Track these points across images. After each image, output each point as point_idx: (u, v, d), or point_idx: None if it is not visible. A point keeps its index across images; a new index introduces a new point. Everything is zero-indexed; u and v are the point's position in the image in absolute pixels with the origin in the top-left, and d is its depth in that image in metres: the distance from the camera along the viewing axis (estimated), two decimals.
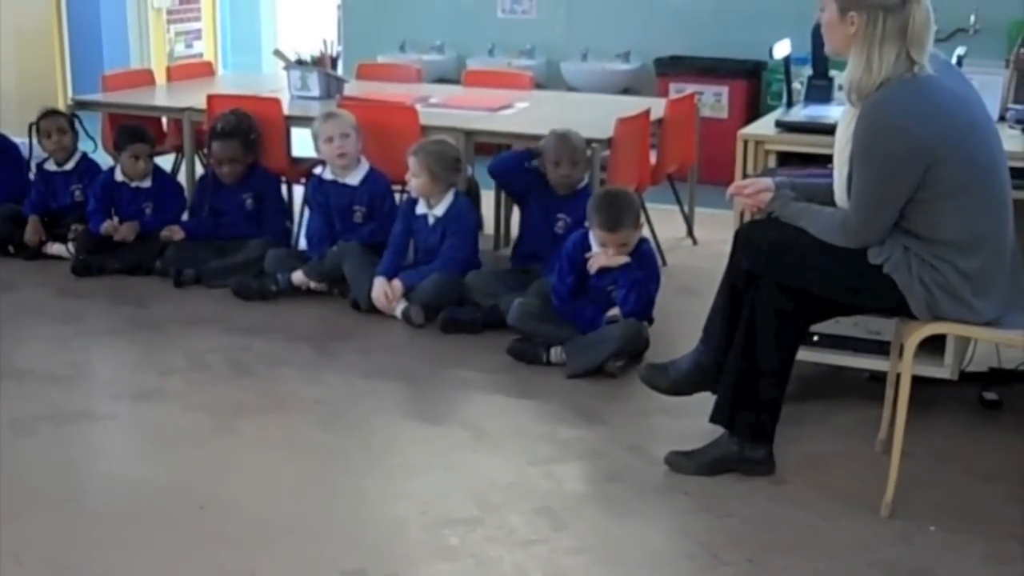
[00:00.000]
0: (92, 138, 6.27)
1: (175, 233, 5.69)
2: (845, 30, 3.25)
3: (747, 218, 3.83)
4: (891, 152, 3.16)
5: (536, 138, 5.21)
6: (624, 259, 4.56)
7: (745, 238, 3.54)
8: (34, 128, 6.08)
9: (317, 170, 5.63)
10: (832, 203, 3.38)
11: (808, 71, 4.45)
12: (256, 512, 3.40)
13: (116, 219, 5.80)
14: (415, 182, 5.11)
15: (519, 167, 5.23)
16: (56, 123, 6.07)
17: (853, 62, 3.24)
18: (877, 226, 3.25)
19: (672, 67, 7.95)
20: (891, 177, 3.18)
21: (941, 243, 3.23)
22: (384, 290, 5.00)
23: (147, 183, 5.88)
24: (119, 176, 5.87)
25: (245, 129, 5.70)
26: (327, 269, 5.27)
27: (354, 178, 5.43)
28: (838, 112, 4.00)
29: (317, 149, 5.50)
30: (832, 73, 4.26)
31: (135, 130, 5.89)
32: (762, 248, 3.46)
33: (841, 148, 3.33)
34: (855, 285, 3.35)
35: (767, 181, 3.55)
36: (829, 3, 3.29)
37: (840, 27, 3.27)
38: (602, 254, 4.58)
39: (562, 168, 5.08)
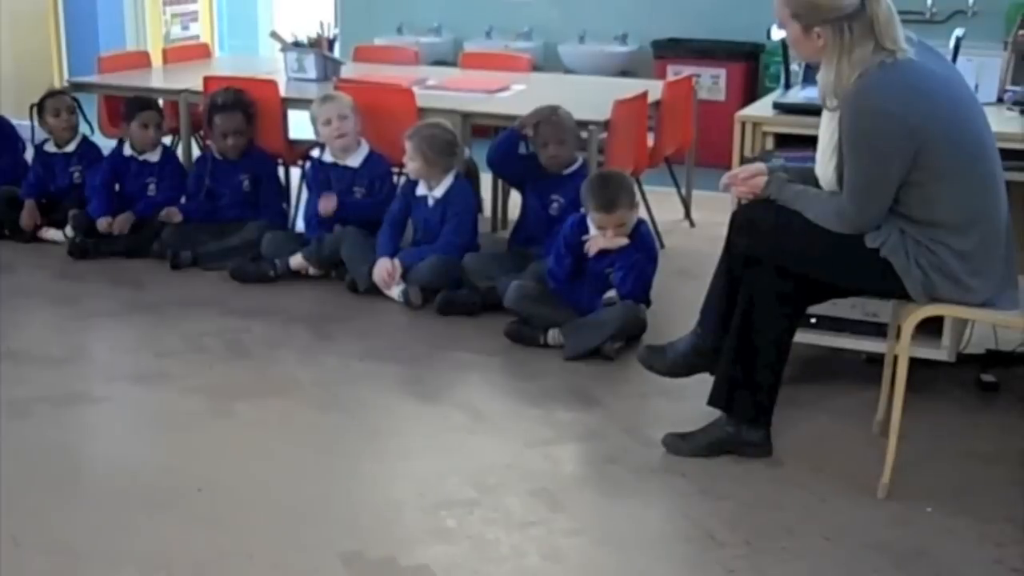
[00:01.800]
0: (88, 122, 6.26)
1: (172, 215, 5.68)
2: (813, 44, 3.26)
3: (744, 201, 3.83)
4: (878, 137, 3.16)
5: None
6: (623, 241, 4.56)
7: (741, 221, 3.54)
8: (36, 109, 6.07)
9: (315, 152, 5.63)
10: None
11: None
12: (253, 494, 3.40)
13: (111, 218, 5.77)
14: (411, 166, 5.12)
15: (513, 154, 5.22)
16: (63, 102, 6.09)
17: (825, 71, 3.25)
18: (872, 212, 3.25)
19: (669, 49, 7.94)
20: (881, 162, 3.18)
21: (935, 225, 3.22)
22: (387, 268, 5.00)
23: (155, 157, 5.89)
24: (127, 151, 5.88)
25: (245, 102, 5.71)
26: (326, 254, 5.26)
27: (355, 160, 5.44)
28: None
29: (316, 132, 5.50)
30: None
31: (143, 99, 5.91)
32: (759, 231, 3.46)
33: (825, 144, 3.34)
34: (852, 268, 3.35)
35: (760, 165, 3.55)
36: (790, 23, 3.29)
37: (807, 42, 3.27)
38: (601, 236, 4.57)
39: (549, 148, 5.09)
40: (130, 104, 5.90)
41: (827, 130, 3.32)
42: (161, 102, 6.52)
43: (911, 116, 3.14)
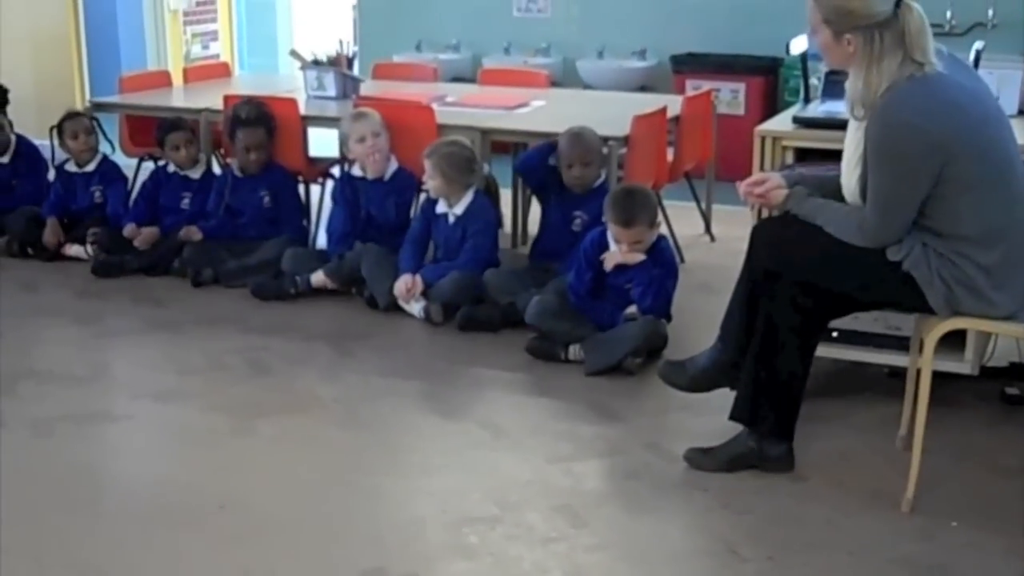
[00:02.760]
0: (110, 141, 6.30)
1: (192, 234, 5.70)
2: (843, 51, 3.25)
3: (764, 215, 3.82)
4: (905, 151, 3.15)
5: (552, 136, 5.20)
6: (640, 257, 4.56)
7: (762, 235, 3.53)
8: (56, 130, 6.11)
9: (335, 170, 5.64)
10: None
11: (825, 67, 4.43)
12: (275, 511, 3.40)
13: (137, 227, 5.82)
14: (432, 184, 5.13)
15: (542, 163, 5.22)
16: (82, 124, 6.12)
17: (853, 79, 3.24)
18: (895, 225, 3.24)
19: (688, 64, 7.93)
20: (906, 176, 3.17)
21: (960, 238, 3.21)
22: (407, 283, 5.01)
23: (196, 174, 5.94)
24: (171, 167, 5.96)
25: (266, 117, 5.74)
26: (347, 271, 5.27)
27: (385, 175, 5.46)
28: None
29: (346, 150, 5.52)
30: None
31: (171, 122, 5.95)
32: (779, 245, 3.45)
33: (850, 155, 3.33)
34: (874, 282, 3.34)
35: (778, 178, 3.53)
36: (821, 27, 3.28)
37: (837, 48, 3.26)
38: (617, 251, 4.57)
39: (574, 170, 5.08)
40: (159, 128, 5.94)
41: (853, 140, 3.31)
42: None
43: (939, 131, 3.13)
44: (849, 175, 3.33)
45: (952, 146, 3.13)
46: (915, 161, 3.15)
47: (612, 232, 4.58)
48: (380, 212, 5.45)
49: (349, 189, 5.54)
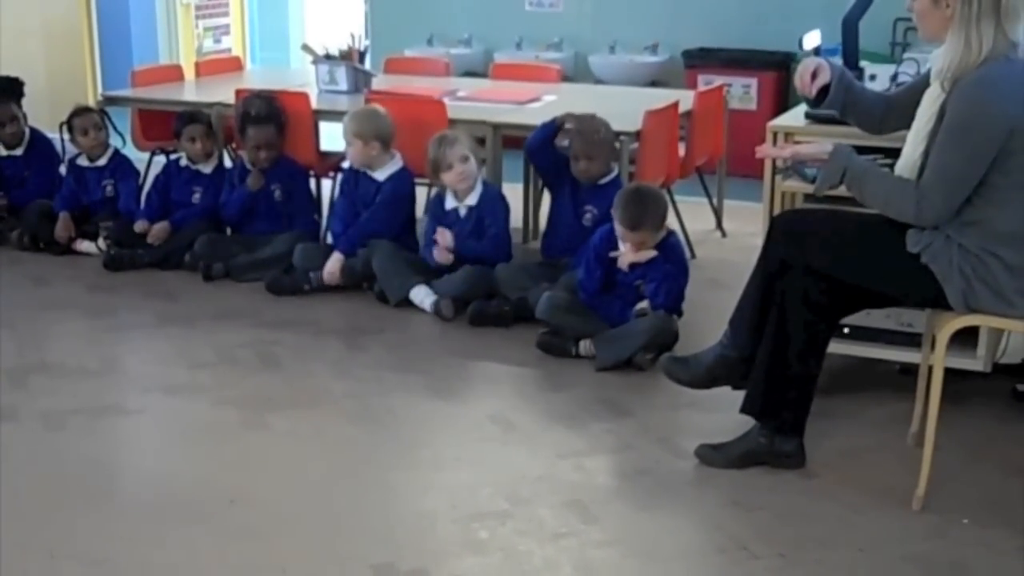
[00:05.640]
0: (120, 134, 6.31)
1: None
2: (941, 14, 3.22)
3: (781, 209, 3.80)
4: (986, 133, 3.13)
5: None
6: (651, 254, 4.54)
7: (782, 224, 3.52)
8: (66, 126, 6.12)
9: (345, 164, 5.64)
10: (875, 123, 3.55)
11: (838, 62, 4.41)
12: (286, 506, 3.41)
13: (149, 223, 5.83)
14: (468, 167, 5.12)
15: (548, 143, 5.19)
16: (91, 120, 6.12)
17: (951, 43, 3.19)
18: (952, 206, 3.20)
19: (700, 59, 7.91)
20: (977, 158, 3.14)
21: (996, 234, 3.19)
22: (441, 238, 5.06)
23: (207, 168, 5.95)
24: (184, 161, 5.96)
25: (277, 113, 5.74)
26: (359, 270, 5.26)
27: (380, 174, 5.43)
28: None
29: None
30: (863, 64, 4.23)
31: (190, 114, 5.95)
32: (798, 234, 3.44)
33: (920, 127, 3.28)
34: (890, 273, 3.33)
35: (817, 63, 3.56)
36: None
37: (935, 12, 3.24)
38: (629, 251, 4.56)
39: (580, 163, 5.08)
40: (177, 120, 5.95)
41: (926, 114, 3.27)
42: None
43: (1019, 115, 3.11)
44: (914, 147, 3.28)
45: None
46: (989, 142, 3.12)
47: (617, 231, 4.57)
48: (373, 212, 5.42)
49: (351, 182, 5.52)
